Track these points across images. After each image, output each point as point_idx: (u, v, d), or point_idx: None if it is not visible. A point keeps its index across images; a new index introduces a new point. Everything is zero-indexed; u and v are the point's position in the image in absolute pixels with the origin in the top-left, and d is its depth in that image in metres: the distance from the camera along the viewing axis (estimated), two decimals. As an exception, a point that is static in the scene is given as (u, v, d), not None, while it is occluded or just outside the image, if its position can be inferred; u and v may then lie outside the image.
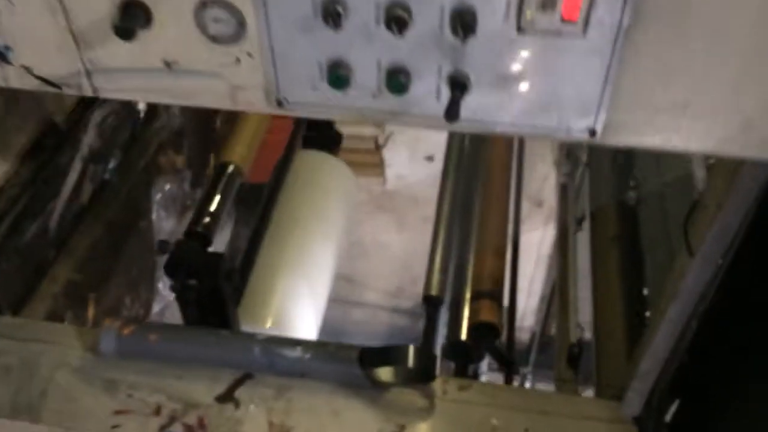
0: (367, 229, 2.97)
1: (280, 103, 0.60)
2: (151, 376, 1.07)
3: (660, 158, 1.25)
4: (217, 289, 1.14)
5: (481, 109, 0.57)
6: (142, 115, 1.77)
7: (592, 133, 0.56)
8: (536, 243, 2.79)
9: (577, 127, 0.56)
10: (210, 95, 0.60)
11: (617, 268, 1.42)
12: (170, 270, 1.12)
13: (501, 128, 0.57)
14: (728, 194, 0.79)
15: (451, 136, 1.60)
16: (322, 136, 1.82)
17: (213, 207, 1.19)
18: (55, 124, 1.49)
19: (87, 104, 1.56)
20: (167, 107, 1.90)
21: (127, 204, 1.76)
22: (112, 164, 1.66)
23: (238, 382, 1.08)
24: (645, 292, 1.34)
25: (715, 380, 0.95)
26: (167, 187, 2.04)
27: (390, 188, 2.88)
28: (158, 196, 2.00)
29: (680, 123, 0.55)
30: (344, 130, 1.99)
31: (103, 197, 1.63)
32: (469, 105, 0.56)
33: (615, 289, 1.39)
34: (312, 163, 1.73)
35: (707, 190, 0.85)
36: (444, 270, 1.19)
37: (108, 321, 1.10)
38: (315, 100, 0.59)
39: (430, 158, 2.75)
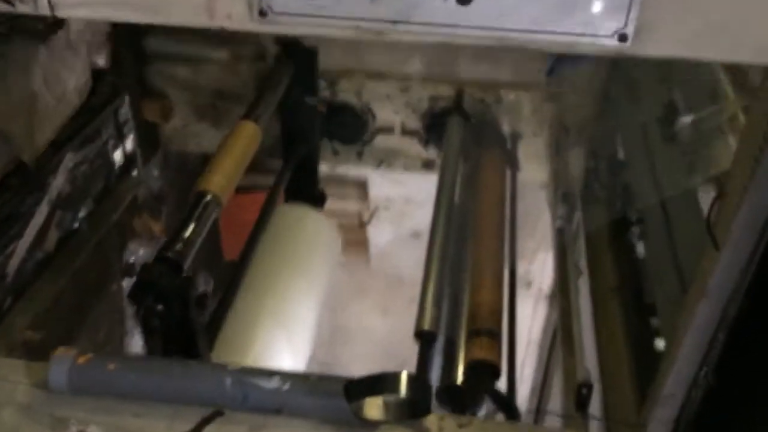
0: (349, 313, 2.85)
1: (263, 13, 0.52)
2: (106, 414, 0.94)
3: (659, 185, 1.19)
4: (186, 318, 1.03)
5: (496, 12, 0.50)
6: (117, 166, 1.70)
7: (623, 38, 0.49)
8: (526, 327, 2.68)
9: (605, 31, 0.49)
10: (184, 8, 0.53)
11: (621, 320, 1.33)
12: (136, 293, 1.01)
13: (518, 37, 0.50)
14: (754, 176, 0.72)
15: (440, 193, 1.52)
16: (305, 193, 1.76)
17: (187, 233, 1.09)
18: (24, 164, 1.41)
19: (59, 147, 1.49)
20: (146, 161, 1.83)
21: (95, 261, 1.65)
22: (82, 213, 1.57)
23: (205, 421, 0.95)
24: (656, 344, 1.24)
25: (747, 406, 0.84)
26: (141, 251, 1.94)
27: (374, 268, 2.78)
28: (131, 260, 1.90)
29: (722, 25, 0.48)
30: (327, 206, 1.93)
31: (70, 247, 1.53)
32: (481, 8, 0.49)
33: (620, 342, 1.29)
34: (294, 215, 1.66)
35: (731, 177, 0.78)
36: (437, 304, 1.09)
37: (61, 349, 0.98)
38: (303, 8, 0.52)
39: (415, 235, 2.67)
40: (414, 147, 1.79)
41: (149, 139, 1.84)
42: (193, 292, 1.03)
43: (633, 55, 0.50)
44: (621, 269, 1.41)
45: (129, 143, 1.73)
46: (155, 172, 1.90)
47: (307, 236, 1.62)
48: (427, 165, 1.81)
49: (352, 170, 2.66)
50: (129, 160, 1.75)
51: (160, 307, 1.00)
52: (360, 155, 1.82)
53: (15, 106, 1.40)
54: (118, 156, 1.70)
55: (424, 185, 2.02)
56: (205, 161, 2.16)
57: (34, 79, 1.47)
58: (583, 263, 1.38)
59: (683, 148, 1.14)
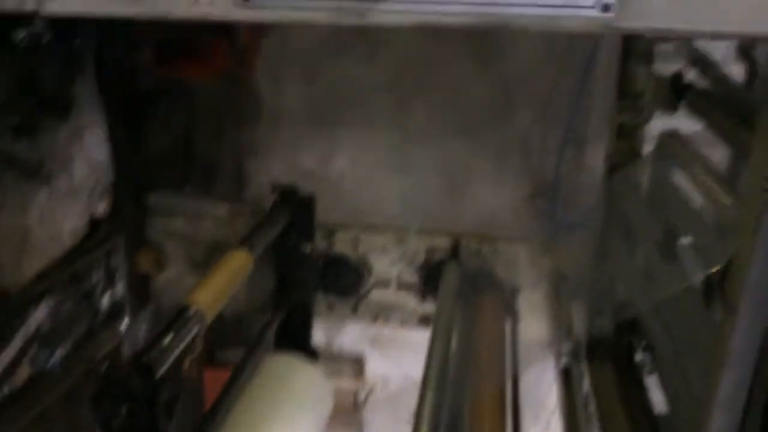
0: None
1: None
2: None
3: (667, 317, 1.14)
4: (152, 425, 0.93)
5: (477, -14, 0.50)
6: (104, 312, 1.64)
7: (606, 8, 0.48)
8: None
9: (586, 2, 0.48)
10: (168, -4, 0.53)
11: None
12: (101, 395, 0.92)
13: (499, 12, 0.49)
14: (758, 235, 0.69)
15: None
16: (297, 345, 1.68)
17: (164, 342, 1.03)
18: (7, 292, 1.37)
19: (45, 281, 1.46)
20: (134, 314, 1.77)
21: (65, 412, 1.53)
22: (59, 354, 1.49)
23: None
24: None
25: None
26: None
27: (367, 457, 2.57)
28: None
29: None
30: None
31: (40, 387, 1.42)
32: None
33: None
34: (284, 364, 1.57)
35: (739, 243, 0.75)
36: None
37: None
38: (286, -6, 0.52)
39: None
40: (410, 301, 1.75)
41: (140, 290, 1.81)
42: (162, 398, 0.94)
43: (618, 27, 0.49)
44: (636, 421, 1.30)
45: (118, 291, 1.69)
46: (143, 327, 1.83)
47: (298, 387, 1.52)
48: (425, 321, 1.75)
49: (347, 345, 2.57)
50: (117, 308, 1.70)
51: (124, 409, 0.91)
52: (355, 310, 1.77)
53: (6, 236, 1.39)
54: (105, 302, 1.65)
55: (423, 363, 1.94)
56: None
57: (30, 216, 1.48)
58: (591, 409, 1.28)
59: (686, 269, 1.11)
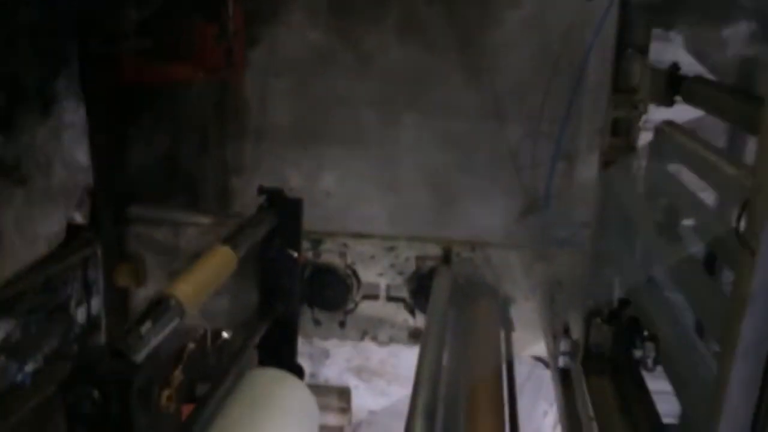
0: None
1: None
2: None
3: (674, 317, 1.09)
4: (126, 412, 0.85)
5: None
6: (79, 326, 1.56)
7: None
8: None
9: None
10: None
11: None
12: (71, 380, 0.85)
13: None
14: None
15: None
16: (282, 360, 1.60)
17: (141, 330, 0.96)
18: (-26, 298, 1.29)
19: (16, 287, 1.37)
20: (111, 331, 1.68)
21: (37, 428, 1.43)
22: (29, 367, 1.39)
23: None
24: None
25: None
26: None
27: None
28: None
29: None
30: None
31: (8, 403, 1.33)
32: None
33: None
34: (267, 377, 1.49)
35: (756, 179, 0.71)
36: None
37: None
38: None
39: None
40: (400, 314, 1.68)
41: (118, 305, 1.72)
42: (136, 383, 0.87)
43: None
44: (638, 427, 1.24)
45: (95, 305, 1.61)
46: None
47: (283, 399, 1.44)
48: (415, 335, 1.68)
49: (333, 378, 2.48)
50: (93, 324, 1.61)
51: (96, 393, 0.83)
52: (342, 325, 1.69)
53: (-22, 239, 1.32)
54: (81, 315, 1.57)
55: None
56: (178, 351, 2.03)
57: (5, 219, 1.41)
58: (591, 413, 1.22)
59: (689, 246, 1.07)
